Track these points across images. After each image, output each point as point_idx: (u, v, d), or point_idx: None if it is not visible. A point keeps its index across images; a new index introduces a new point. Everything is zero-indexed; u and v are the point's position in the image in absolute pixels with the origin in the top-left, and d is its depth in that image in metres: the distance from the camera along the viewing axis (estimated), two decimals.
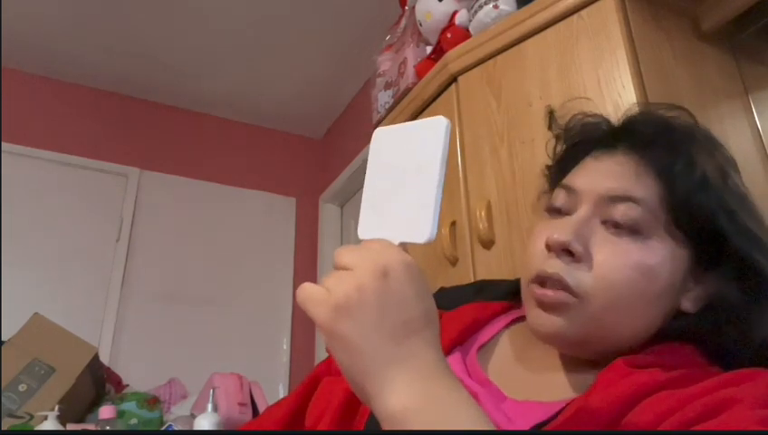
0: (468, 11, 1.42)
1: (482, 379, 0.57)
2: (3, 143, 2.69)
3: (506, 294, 0.69)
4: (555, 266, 0.54)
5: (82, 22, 2.64)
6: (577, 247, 0.54)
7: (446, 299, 0.68)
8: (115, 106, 3.07)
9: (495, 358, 0.61)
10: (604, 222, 0.56)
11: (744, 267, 0.54)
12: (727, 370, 0.50)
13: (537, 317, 0.55)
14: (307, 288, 0.40)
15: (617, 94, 1.05)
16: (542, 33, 1.24)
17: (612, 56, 1.09)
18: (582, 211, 0.56)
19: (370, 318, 0.38)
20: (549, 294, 0.54)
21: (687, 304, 0.56)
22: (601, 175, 0.58)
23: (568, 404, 0.49)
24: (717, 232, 0.54)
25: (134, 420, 1.51)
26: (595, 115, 0.66)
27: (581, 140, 0.64)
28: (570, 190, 0.59)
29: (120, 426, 1.43)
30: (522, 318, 0.64)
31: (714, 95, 1.18)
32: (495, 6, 1.33)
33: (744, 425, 0.40)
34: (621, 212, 0.54)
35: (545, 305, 0.54)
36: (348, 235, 3.15)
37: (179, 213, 3.00)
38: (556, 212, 0.59)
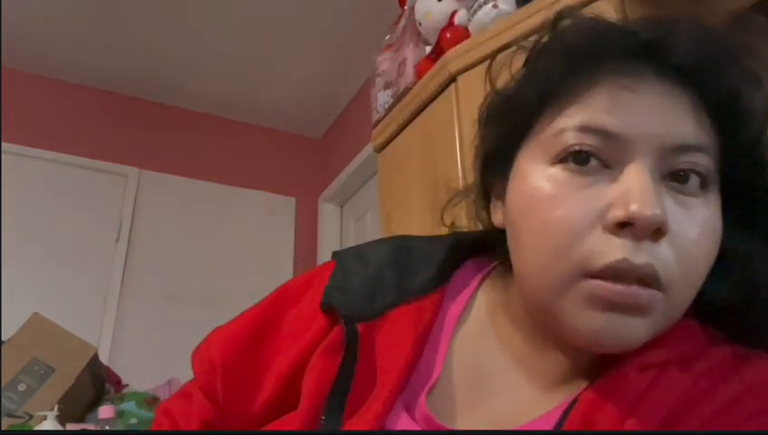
0: (467, 10, 1.42)
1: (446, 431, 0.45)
2: (3, 143, 2.69)
3: (440, 274, 0.53)
4: (643, 253, 0.38)
5: (82, 22, 2.64)
6: (670, 225, 0.39)
7: (359, 286, 0.51)
8: (115, 106, 3.07)
9: (461, 393, 0.48)
10: (663, 177, 0.41)
11: None
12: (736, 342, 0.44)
13: (605, 323, 0.39)
14: None
15: None
16: (542, 33, 1.23)
17: None
18: (644, 166, 0.40)
19: None
20: (638, 293, 0.38)
21: None
22: (655, 115, 0.41)
23: (563, 417, 0.41)
24: (758, 178, 0.44)
25: (134, 420, 1.50)
26: (600, 20, 0.47)
27: (588, 54, 0.44)
28: (606, 135, 0.41)
29: (119, 426, 1.42)
30: (459, 303, 0.53)
31: None
32: (495, 6, 1.33)
33: None
34: (691, 164, 0.41)
35: (623, 306, 0.39)
36: (347, 234, 3.15)
37: (179, 213, 3.00)
38: (577, 162, 0.42)
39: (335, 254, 0.57)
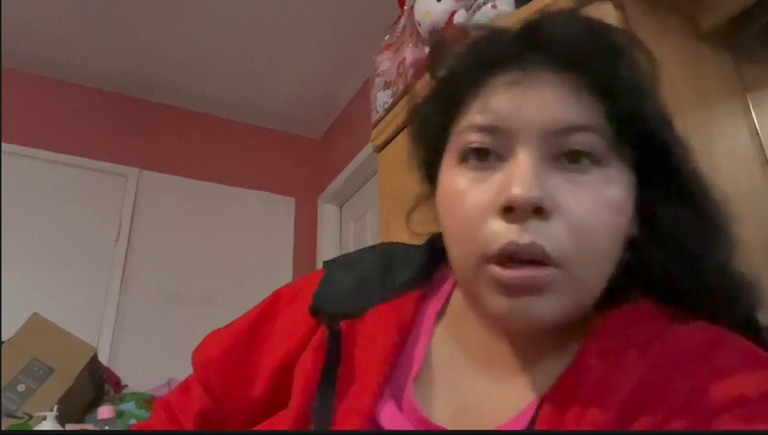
0: (467, 10, 1.42)
1: (435, 429, 0.46)
2: (3, 143, 2.69)
3: (419, 274, 0.56)
4: (528, 234, 0.41)
5: (82, 22, 2.64)
6: (551, 202, 0.42)
7: (344, 289, 0.55)
8: (115, 106, 3.08)
9: (439, 384, 0.50)
10: (554, 159, 0.44)
11: (682, 185, 0.47)
12: (689, 317, 0.45)
13: (508, 306, 0.42)
14: None
15: None
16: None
17: None
18: (529, 153, 0.43)
19: None
20: (530, 274, 0.41)
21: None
22: (536, 104, 0.45)
23: (536, 415, 0.43)
24: (658, 147, 0.46)
25: (133, 421, 1.50)
26: (478, 27, 0.54)
27: (471, 66, 0.50)
28: (494, 131, 0.45)
29: (119, 426, 1.43)
30: (439, 300, 0.56)
31: (712, 95, 1.18)
32: (494, 6, 1.33)
33: None
34: (577, 144, 0.44)
35: (520, 289, 0.42)
36: (347, 235, 3.15)
37: (178, 213, 3.00)
38: (477, 160, 0.46)
39: (325, 263, 0.61)
